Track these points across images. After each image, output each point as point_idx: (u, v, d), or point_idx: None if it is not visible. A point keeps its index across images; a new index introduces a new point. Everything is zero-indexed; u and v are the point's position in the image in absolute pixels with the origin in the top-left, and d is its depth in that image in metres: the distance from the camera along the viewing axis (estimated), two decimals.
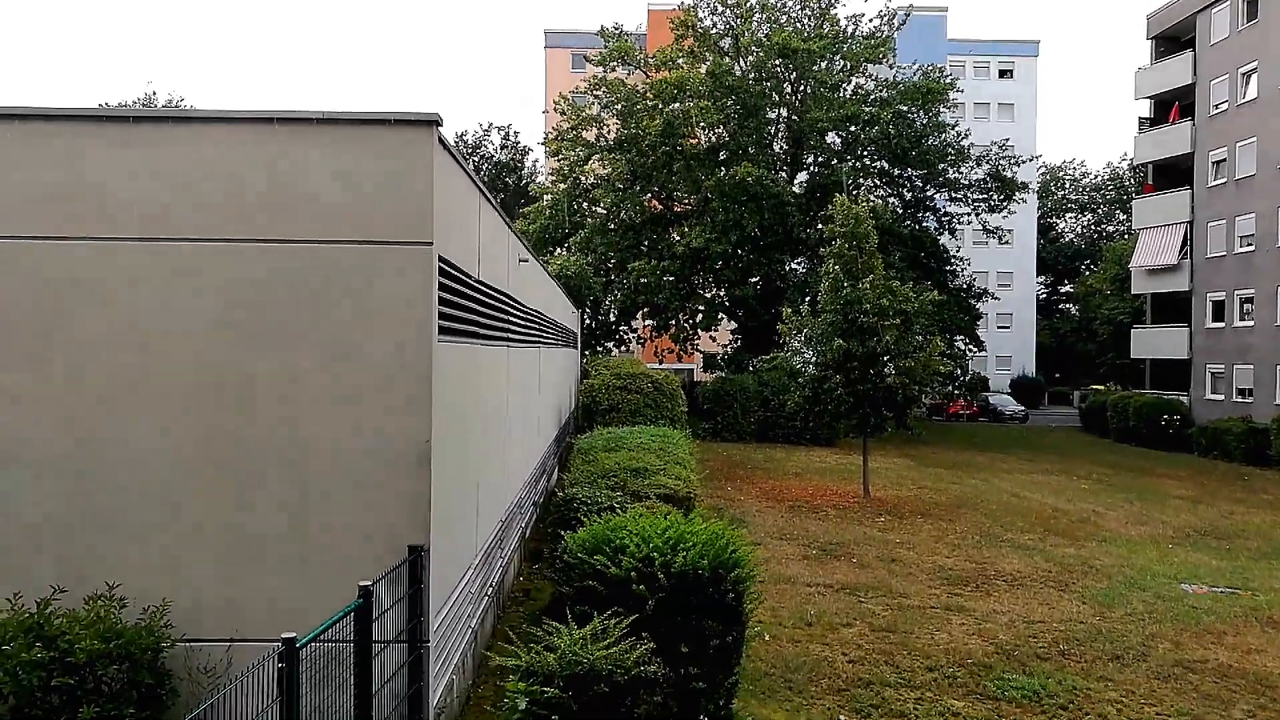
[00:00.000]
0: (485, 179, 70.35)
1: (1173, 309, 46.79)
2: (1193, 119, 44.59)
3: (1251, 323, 39.82)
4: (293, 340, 6.93)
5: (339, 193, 6.94)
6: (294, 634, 4.85)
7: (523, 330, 13.32)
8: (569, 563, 8.26)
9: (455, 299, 7.86)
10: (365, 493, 6.92)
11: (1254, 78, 40.18)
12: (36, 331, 6.87)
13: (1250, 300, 40.10)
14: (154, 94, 65.51)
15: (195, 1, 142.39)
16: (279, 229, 6.94)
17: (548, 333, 17.79)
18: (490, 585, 10.42)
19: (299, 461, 6.90)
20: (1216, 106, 42.75)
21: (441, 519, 7.35)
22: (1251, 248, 39.90)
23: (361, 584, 5.93)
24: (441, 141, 7.16)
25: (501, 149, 74.47)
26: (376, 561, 6.73)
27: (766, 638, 11.40)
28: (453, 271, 7.68)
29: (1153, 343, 47.50)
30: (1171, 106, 46.90)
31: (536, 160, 73.44)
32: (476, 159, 72.93)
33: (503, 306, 10.98)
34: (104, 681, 5.97)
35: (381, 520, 6.94)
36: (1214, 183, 42.79)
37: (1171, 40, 47.24)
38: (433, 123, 6.99)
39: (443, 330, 7.32)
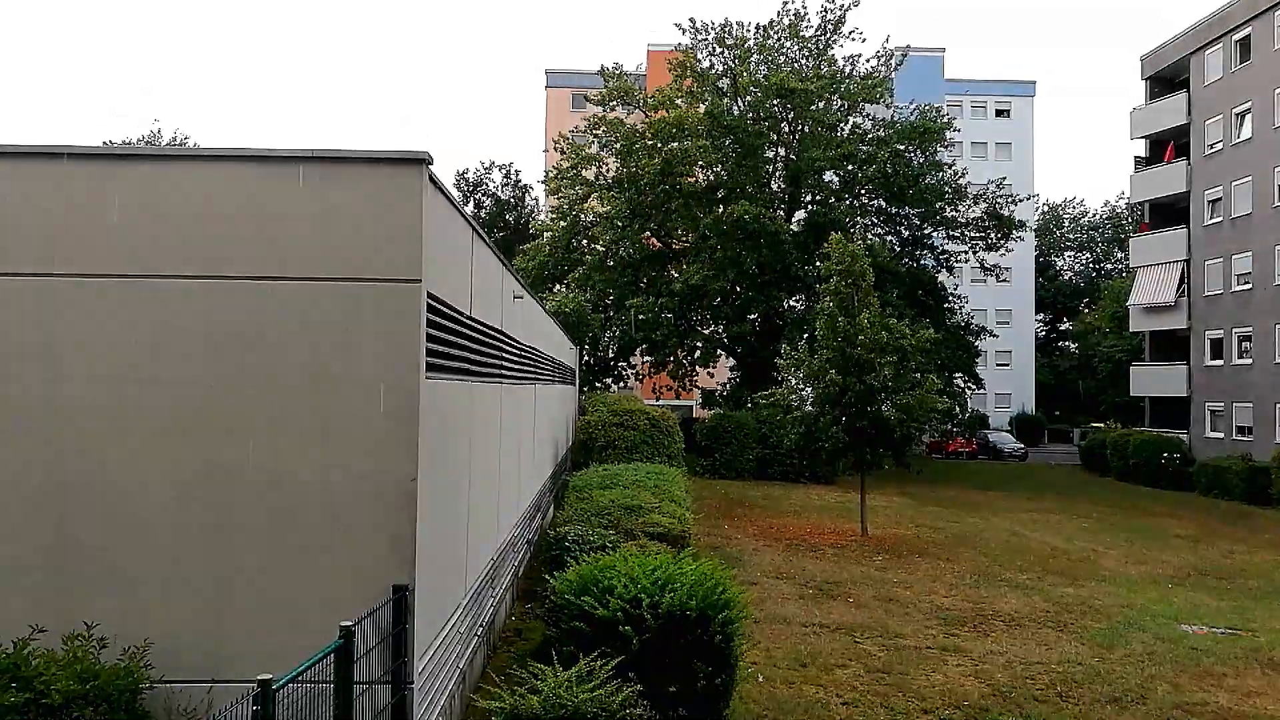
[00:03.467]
0: (486, 217, 70.76)
1: (1171, 347, 46.84)
2: (1188, 158, 44.92)
3: (1250, 361, 39.83)
4: (278, 377, 6.90)
5: (327, 230, 6.95)
6: (270, 675, 4.77)
7: (517, 367, 13.29)
8: (556, 604, 8.17)
9: (445, 335, 7.84)
10: (349, 532, 6.85)
11: (1248, 117, 40.52)
12: (18, 366, 6.84)
13: (1248, 338, 40.13)
14: (159, 131, 66.06)
15: (200, 42, 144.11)
16: (266, 266, 6.94)
17: (544, 369, 17.76)
18: (480, 625, 10.30)
19: (282, 500, 6.85)
20: (1211, 146, 43.07)
21: (427, 558, 7.28)
22: (1249, 285, 40.01)
23: (343, 624, 5.85)
24: (432, 180, 7.18)
25: (502, 187, 74.92)
26: (361, 602, 6.65)
27: (760, 679, 11.25)
28: (442, 308, 7.67)
29: (1152, 380, 47.48)
30: (1167, 146, 47.28)
31: (536, 198, 73.89)
32: (478, 197, 73.36)
33: (495, 343, 10.96)
34: None
35: (366, 560, 6.86)
36: (1210, 221, 43.00)
37: (1166, 81, 47.71)
38: (422, 161, 7.02)
39: (431, 367, 7.30)
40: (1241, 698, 11.60)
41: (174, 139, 64.52)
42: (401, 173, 7.00)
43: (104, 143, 34.42)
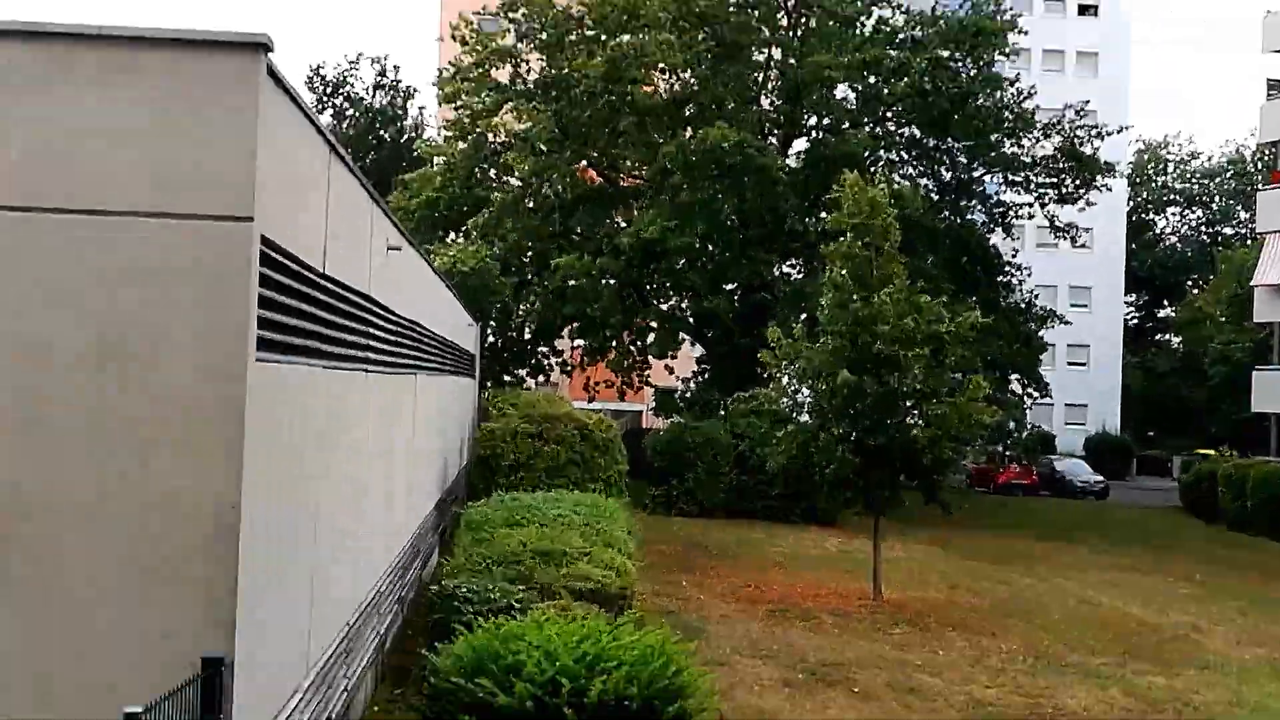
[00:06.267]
0: (351, 132, 70.18)
1: None
2: None
3: None
4: (44, 354, 6.79)
5: (118, 146, 6.84)
6: None
7: (391, 348, 13.24)
8: (439, 688, 8.20)
9: (286, 300, 7.77)
10: (142, 579, 6.77)
11: None
12: None
13: None
14: None
15: None
16: (30, 194, 6.81)
17: (430, 353, 17.70)
18: (330, 717, 10.27)
19: (46, 533, 6.74)
20: None
21: (253, 619, 7.23)
22: None
23: (127, 710, 5.80)
24: (273, 74, 7.10)
25: (376, 90, 74.39)
26: (159, 678, 6.58)
27: None
28: (283, 260, 7.60)
29: None
30: None
31: (424, 108, 73.43)
32: (338, 102, 72.76)
33: (359, 313, 10.90)
34: None
35: (166, 619, 6.79)
36: None
37: None
38: (260, 46, 6.92)
39: (264, 343, 7.23)
40: None
41: None
42: (228, 63, 6.89)
43: None
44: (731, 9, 43.19)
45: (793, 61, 44.28)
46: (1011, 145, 46.54)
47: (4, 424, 6.79)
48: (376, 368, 12.32)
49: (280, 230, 7.50)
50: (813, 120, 45.96)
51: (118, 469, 6.82)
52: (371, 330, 11.72)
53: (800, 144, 45.93)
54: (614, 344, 45.13)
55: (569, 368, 48.38)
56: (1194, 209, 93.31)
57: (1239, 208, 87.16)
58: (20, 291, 6.83)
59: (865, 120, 45.09)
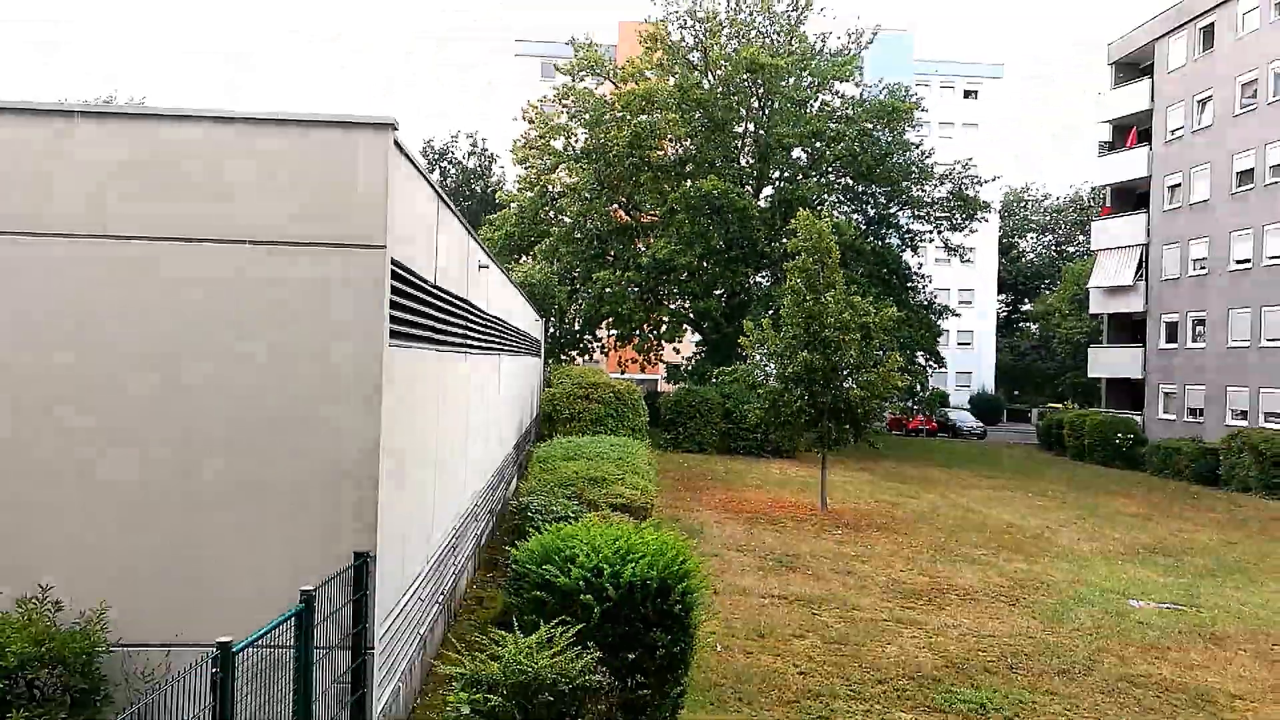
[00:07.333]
0: (452, 185, 70.12)
1: (1129, 329, 47.63)
2: (1149, 144, 45.47)
3: (1203, 345, 40.60)
4: (241, 342, 6.85)
5: (292, 195, 6.89)
6: (229, 639, 4.77)
7: (482, 337, 13.27)
8: (518, 572, 8.22)
9: (409, 304, 7.81)
10: (311, 498, 6.84)
11: (1209, 105, 41.06)
12: None
13: (1202, 322, 40.88)
14: (115, 93, 64.65)
15: (162, 6, 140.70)
16: (230, 230, 6.87)
17: (509, 340, 17.74)
18: (441, 593, 10.33)
19: (244, 466, 6.82)
20: (1173, 132, 43.62)
21: (390, 526, 7.29)
22: (1204, 271, 40.70)
23: (303, 589, 5.85)
24: (398, 145, 7.13)
25: (469, 156, 74.29)
26: (322, 568, 6.65)
27: (719, 648, 11.40)
28: (407, 276, 7.64)
29: (1109, 362, 48.28)
30: (1130, 131, 47.82)
31: (504, 168, 73.32)
32: (444, 165, 72.66)
33: (461, 312, 10.93)
34: (35, 686, 5.84)
35: (328, 526, 6.86)
36: (1169, 206, 43.64)
37: (1131, 67, 48.17)
38: (389, 126, 6.96)
39: (395, 334, 7.27)
40: (1184, 670, 11.94)
41: (131, 101, 63.15)
42: (368, 138, 6.94)
43: (61, 100, 33.46)
44: (719, 95, 42.96)
45: (762, 132, 44.06)
46: (917, 190, 46.25)
47: (219, 395, 6.87)
48: (473, 350, 12.37)
49: (404, 254, 7.54)
50: (777, 174, 45.69)
51: (295, 422, 6.89)
52: (469, 324, 11.76)
53: (768, 190, 45.67)
54: (637, 333, 45.01)
55: (606, 350, 48.39)
56: (1046, 234, 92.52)
57: (1079, 233, 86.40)
58: (221, 300, 6.89)
59: (814, 173, 44.82)
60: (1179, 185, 42.92)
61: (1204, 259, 40.79)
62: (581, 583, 7.63)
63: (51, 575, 6.54)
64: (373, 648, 6.98)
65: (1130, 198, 48.13)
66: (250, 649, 5.11)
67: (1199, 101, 41.77)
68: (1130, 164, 46.69)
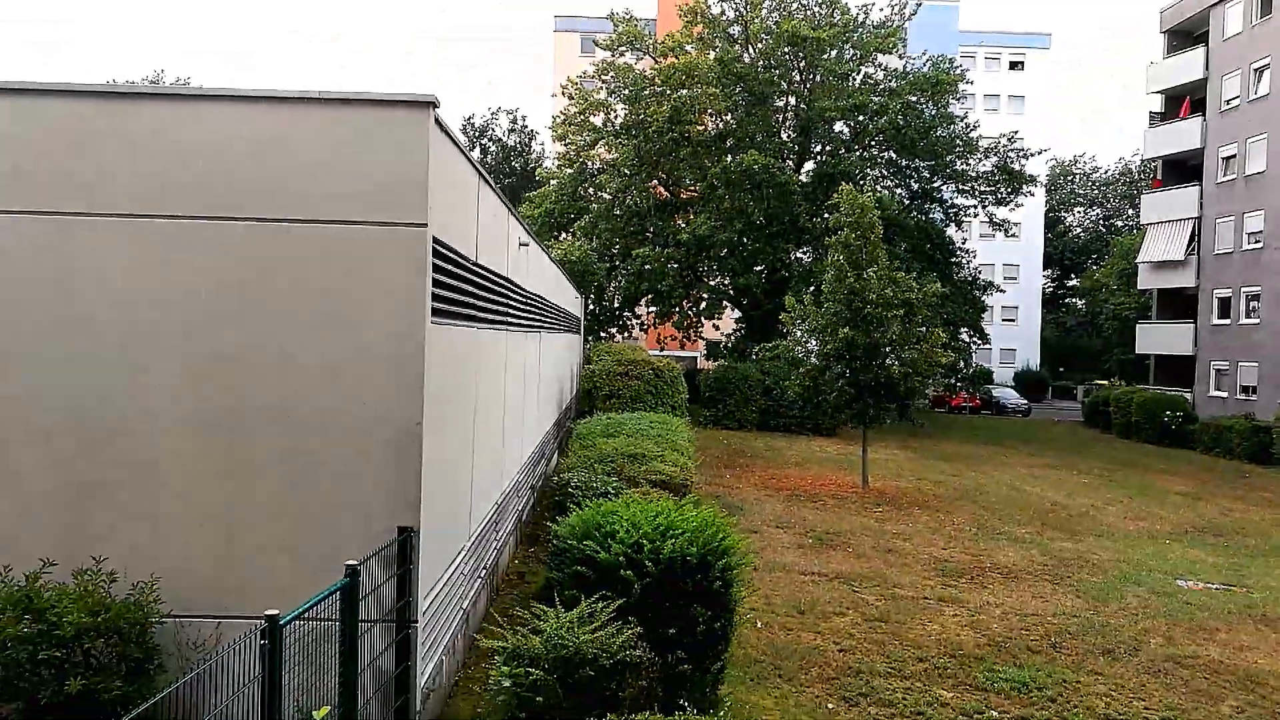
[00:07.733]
0: (492, 162, 70.23)
1: (1179, 305, 46.66)
2: (1204, 114, 44.34)
3: (1257, 320, 39.69)
4: (286, 319, 6.94)
5: (334, 173, 6.94)
6: (277, 612, 4.87)
7: (522, 314, 13.32)
8: (559, 548, 8.28)
9: (451, 281, 7.85)
10: (356, 473, 6.94)
11: (1266, 73, 39.92)
12: (33, 305, 6.88)
13: (1257, 298, 39.95)
14: (162, 72, 65.50)
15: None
16: (275, 209, 6.94)
17: (549, 317, 17.78)
18: (484, 568, 10.45)
19: (291, 441, 6.92)
20: (1228, 102, 42.50)
21: (432, 501, 7.37)
22: (1259, 245, 39.73)
23: (349, 563, 5.95)
24: (438, 123, 7.14)
25: (509, 133, 74.38)
26: (367, 542, 6.76)
27: (759, 625, 11.43)
28: (448, 254, 7.67)
29: (1158, 338, 47.39)
30: (1183, 102, 46.65)
31: (543, 145, 73.34)
32: (484, 142, 72.81)
33: (501, 290, 10.97)
34: (91, 655, 6.01)
35: (372, 501, 6.96)
36: (1223, 179, 42.58)
37: (1184, 35, 46.94)
38: (429, 104, 6.98)
39: (436, 312, 7.32)
40: (1233, 651, 11.76)
41: (177, 83, 63.94)
42: (408, 116, 6.97)
43: (109, 81, 34.20)
44: (760, 69, 42.53)
45: (804, 106, 43.56)
46: (961, 164, 45.57)
47: (266, 371, 6.97)
48: (514, 328, 12.42)
49: (446, 232, 7.57)
50: (818, 148, 45.22)
51: (339, 400, 6.97)
52: (509, 301, 11.80)
53: (809, 165, 45.22)
54: (676, 310, 44.94)
55: (645, 326, 48.35)
56: (1094, 208, 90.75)
57: (1128, 206, 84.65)
58: (267, 277, 6.98)
59: (856, 147, 44.26)
60: (1233, 156, 41.85)
61: (1259, 232, 39.81)
62: (622, 558, 7.68)
63: (107, 548, 6.71)
64: (416, 621, 7.08)
65: (1182, 170, 46.99)
66: (297, 621, 5.21)
67: (1255, 70, 40.62)
68: (1183, 135, 45.58)
